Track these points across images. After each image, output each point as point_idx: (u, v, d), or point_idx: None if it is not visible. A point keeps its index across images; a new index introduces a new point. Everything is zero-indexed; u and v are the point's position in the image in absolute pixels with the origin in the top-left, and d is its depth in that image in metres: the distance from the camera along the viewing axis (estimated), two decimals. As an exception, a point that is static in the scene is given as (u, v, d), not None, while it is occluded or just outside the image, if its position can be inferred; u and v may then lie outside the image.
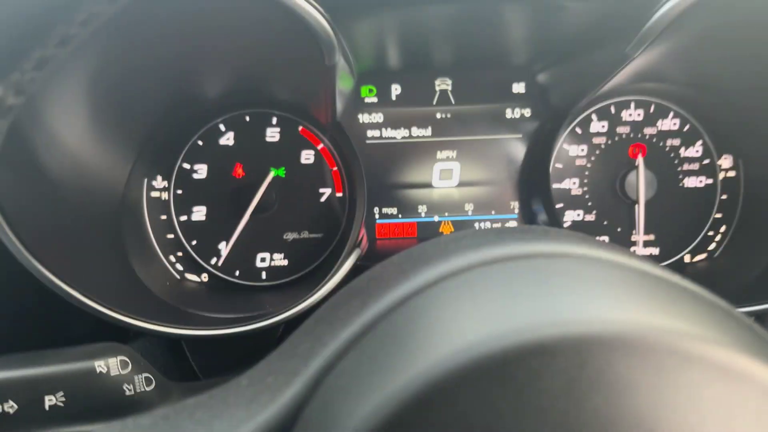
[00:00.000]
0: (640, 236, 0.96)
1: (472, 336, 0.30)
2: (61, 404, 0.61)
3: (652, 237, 0.98)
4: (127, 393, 0.64)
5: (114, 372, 0.64)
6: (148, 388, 0.64)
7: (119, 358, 0.64)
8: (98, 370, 0.62)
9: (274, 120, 0.96)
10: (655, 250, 0.99)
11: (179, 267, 0.96)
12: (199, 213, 0.96)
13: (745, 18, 0.72)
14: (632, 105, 0.96)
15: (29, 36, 0.40)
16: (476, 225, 1.00)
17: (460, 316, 0.33)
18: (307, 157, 0.97)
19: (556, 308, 0.31)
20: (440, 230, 1.03)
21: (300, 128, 0.97)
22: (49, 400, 0.61)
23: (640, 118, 0.97)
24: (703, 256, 0.99)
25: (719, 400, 0.28)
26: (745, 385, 0.28)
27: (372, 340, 0.36)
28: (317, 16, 0.63)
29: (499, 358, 0.29)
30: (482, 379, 0.28)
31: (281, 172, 0.96)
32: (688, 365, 0.28)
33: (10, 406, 0.60)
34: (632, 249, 0.99)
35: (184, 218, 0.96)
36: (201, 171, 0.96)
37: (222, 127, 0.96)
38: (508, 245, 0.40)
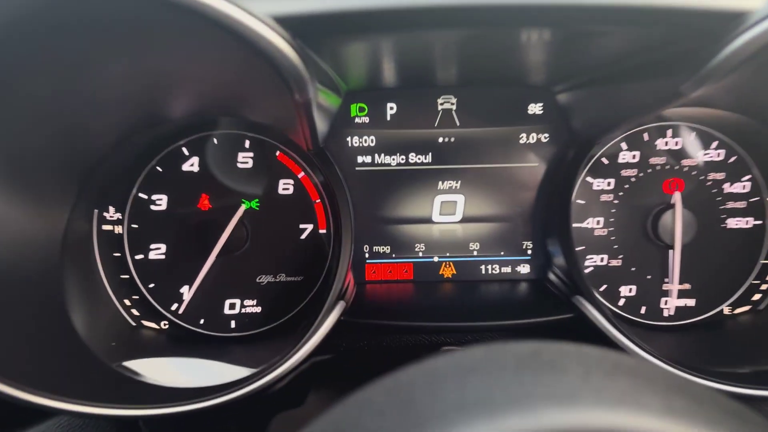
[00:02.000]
0: (674, 285, 0.86)
1: None
2: None
3: (687, 286, 0.87)
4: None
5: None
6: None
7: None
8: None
9: (247, 143, 0.85)
10: (691, 302, 0.87)
11: (135, 312, 0.84)
12: (158, 251, 0.84)
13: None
14: (669, 132, 0.86)
15: None
16: (482, 268, 0.88)
17: None
18: (285, 186, 0.87)
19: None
20: (440, 272, 0.90)
21: (278, 153, 0.84)
22: None
23: (678, 148, 0.86)
24: (746, 308, 0.89)
25: None
26: None
27: None
28: (282, 46, 0.49)
29: None
30: None
31: (255, 204, 0.86)
32: None
33: None
34: (664, 300, 0.86)
35: (140, 257, 0.84)
36: (160, 202, 0.84)
37: (185, 151, 0.84)
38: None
